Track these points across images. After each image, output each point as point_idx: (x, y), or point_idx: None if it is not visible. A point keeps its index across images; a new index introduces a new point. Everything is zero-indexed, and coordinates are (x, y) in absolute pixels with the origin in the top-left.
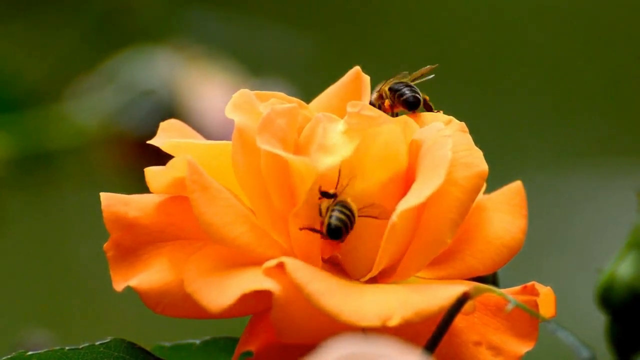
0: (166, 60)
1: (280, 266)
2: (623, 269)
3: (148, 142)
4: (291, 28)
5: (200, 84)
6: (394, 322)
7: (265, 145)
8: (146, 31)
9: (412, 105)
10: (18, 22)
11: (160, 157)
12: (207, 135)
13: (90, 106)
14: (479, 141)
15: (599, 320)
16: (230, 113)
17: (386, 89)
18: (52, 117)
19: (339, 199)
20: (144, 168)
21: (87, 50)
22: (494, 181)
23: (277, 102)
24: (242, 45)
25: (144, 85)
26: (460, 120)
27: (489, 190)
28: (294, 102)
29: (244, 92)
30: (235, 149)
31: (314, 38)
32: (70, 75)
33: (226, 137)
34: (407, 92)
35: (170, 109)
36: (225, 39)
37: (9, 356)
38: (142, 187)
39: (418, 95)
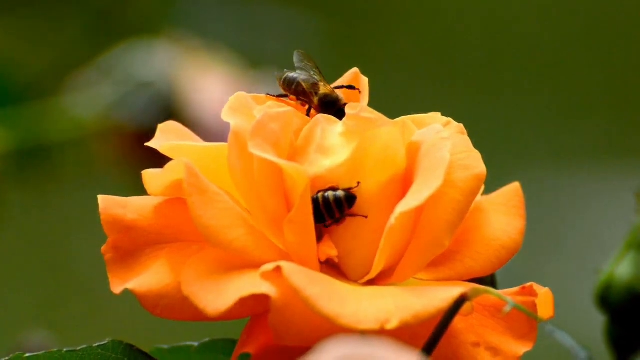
0: (164, 53)
1: (278, 270)
2: (622, 270)
3: (146, 144)
4: (290, 16)
5: (198, 76)
6: (392, 325)
7: (257, 150)
8: (144, 24)
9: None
10: (16, 15)
11: (158, 152)
12: (205, 128)
13: (89, 99)
14: (477, 142)
15: (598, 321)
16: (226, 116)
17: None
18: (50, 110)
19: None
20: (142, 160)
21: (85, 43)
22: (493, 182)
23: (273, 105)
24: (241, 37)
25: (142, 77)
26: (459, 121)
27: (488, 190)
28: (292, 104)
29: (241, 95)
30: (231, 152)
31: (314, 28)
32: (69, 68)
33: (224, 129)
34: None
35: (169, 102)
36: (224, 30)
37: (7, 358)
38: (140, 180)
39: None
